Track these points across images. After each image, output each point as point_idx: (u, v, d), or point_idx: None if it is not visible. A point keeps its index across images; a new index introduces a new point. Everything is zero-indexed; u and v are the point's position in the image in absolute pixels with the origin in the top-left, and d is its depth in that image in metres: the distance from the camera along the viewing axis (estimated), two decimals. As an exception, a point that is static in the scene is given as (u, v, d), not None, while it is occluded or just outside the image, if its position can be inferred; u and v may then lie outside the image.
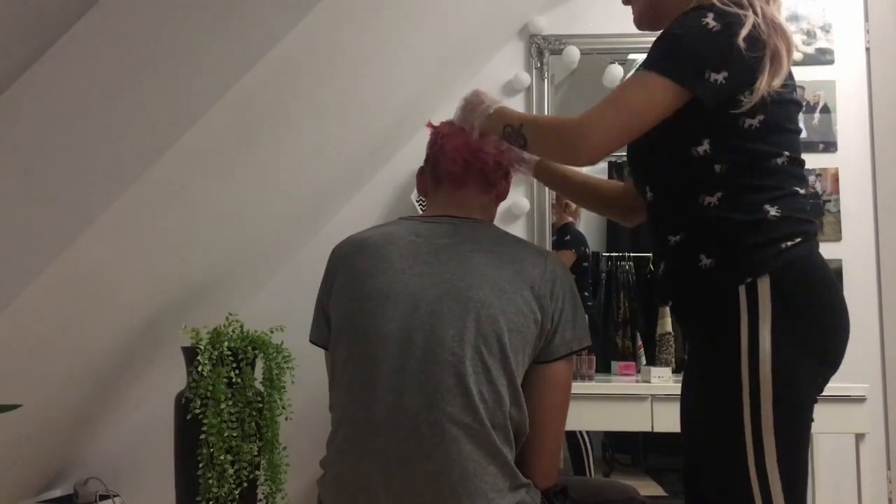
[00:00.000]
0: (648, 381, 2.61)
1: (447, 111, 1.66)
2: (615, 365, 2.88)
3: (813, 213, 1.33)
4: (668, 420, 2.50)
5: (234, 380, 2.43)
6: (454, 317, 1.28)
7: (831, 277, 1.31)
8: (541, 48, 3.16)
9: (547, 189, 3.11)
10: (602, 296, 3.14)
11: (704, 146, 1.28)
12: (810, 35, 3.13)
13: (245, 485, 2.41)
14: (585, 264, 3.12)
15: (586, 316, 1.45)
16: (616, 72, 3.09)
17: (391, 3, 2.26)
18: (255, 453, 2.45)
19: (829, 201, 3.06)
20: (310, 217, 3.00)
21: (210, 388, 2.37)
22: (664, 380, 2.62)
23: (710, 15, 1.27)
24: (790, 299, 1.24)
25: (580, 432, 2.97)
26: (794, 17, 3.14)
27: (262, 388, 2.53)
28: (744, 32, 1.25)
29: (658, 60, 1.27)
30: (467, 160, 1.45)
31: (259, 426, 2.47)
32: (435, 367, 1.27)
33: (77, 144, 1.82)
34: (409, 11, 2.38)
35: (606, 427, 2.88)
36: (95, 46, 1.83)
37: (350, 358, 1.34)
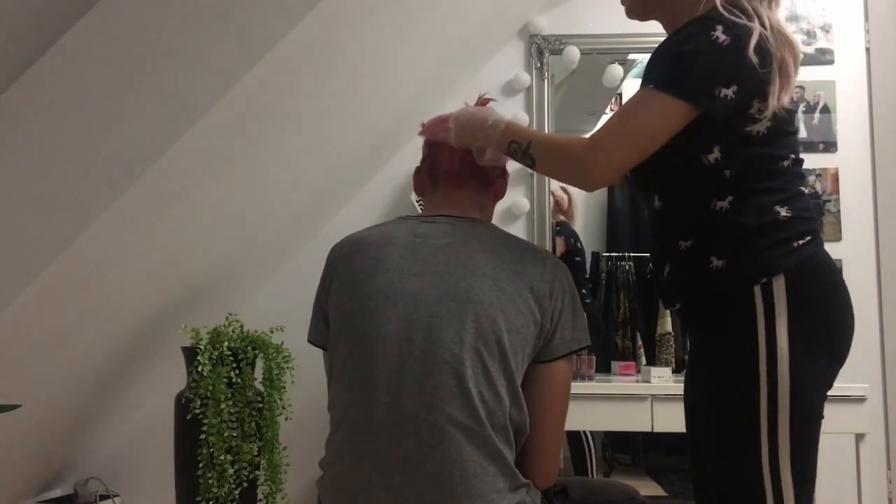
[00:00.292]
0: (648, 381, 2.61)
1: (447, 111, 1.66)
2: (615, 365, 2.88)
3: (816, 211, 1.35)
4: (668, 420, 2.50)
5: (234, 380, 2.43)
6: (453, 317, 1.28)
7: (838, 273, 1.33)
8: (541, 48, 3.16)
9: (547, 189, 3.12)
10: (602, 296, 3.14)
11: (715, 154, 1.29)
12: (810, 35, 3.13)
13: (245, 485, 2.41)
14: (578, 259, 3.12)
15: (585, 315, 1.45)
16: (616, 72, 3.10)
17: (391, 4, 2.26)
18: (255, 453, 2.45)
19: (829, 201, 3.06)
20: (310, 217, 3.00)
21: (210, 388, 2.37)
22: (664, 380, 2.63)
23: (719, 28, 1.26)
24: (804, 297, 1.26)
25: (584, 432, 2.97)
26: (794, 17, 3.14)
27: (262, 388, 2.53)
28: (752, 44, 1.26)
29: (667, 79, 1.27)
30: (464, 159, 1.45)
31: (259, 426, 2.47)
32: (434, 368, 1.27)
33: (77, 144, 1.82)
34: (410, 11, 2.38)
35: (606, 427, 2.88)
36: (95, 46, 1.83)
37: (349, 358, 1.34)
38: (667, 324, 2.97)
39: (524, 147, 1.34)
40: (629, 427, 2.71)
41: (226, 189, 2.28)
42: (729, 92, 1.25)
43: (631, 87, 3.13)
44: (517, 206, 3.10)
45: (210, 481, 2.33)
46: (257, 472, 2.49)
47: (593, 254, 3.17)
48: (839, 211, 3.06)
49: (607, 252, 3.19)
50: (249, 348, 2.49)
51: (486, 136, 1.41)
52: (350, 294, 1.37)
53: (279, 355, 2.55)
